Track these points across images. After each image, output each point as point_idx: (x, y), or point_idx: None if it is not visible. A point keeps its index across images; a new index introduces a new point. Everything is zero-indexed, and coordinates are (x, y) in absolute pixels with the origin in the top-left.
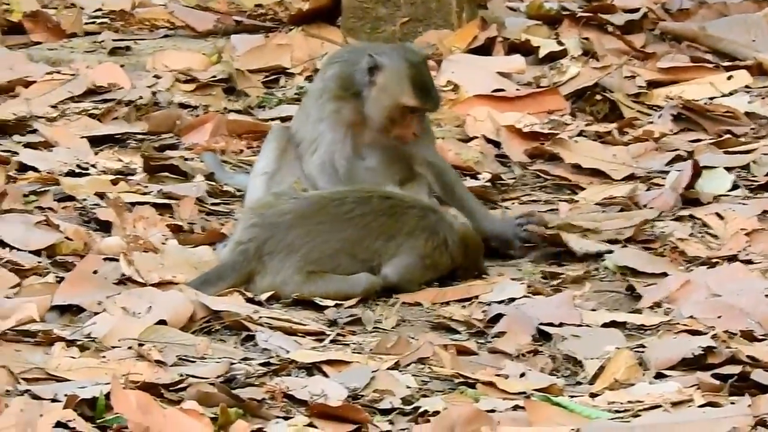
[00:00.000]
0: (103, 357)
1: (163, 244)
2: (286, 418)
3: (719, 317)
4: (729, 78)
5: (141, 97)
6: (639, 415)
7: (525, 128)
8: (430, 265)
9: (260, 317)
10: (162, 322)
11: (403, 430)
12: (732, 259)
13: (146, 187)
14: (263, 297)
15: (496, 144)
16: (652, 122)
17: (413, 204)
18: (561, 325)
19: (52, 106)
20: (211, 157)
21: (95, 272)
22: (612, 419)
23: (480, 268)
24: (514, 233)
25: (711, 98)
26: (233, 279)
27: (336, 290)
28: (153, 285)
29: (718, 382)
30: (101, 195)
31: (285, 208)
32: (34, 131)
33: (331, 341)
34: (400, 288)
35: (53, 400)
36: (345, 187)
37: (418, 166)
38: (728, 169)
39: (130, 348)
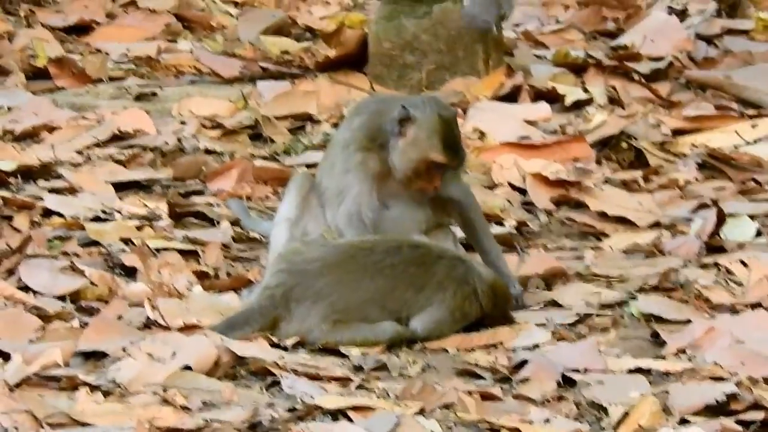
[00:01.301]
0: (128, 402)
1: (189, 290)
2: None
3: (743, 364)
4: (753, 126)
5: (167, 143)
6: None
7: (551, 176)
8: (460, 316)
9: (286, 363)
10: (187, 368)
11: None
12: (756, 306)
13: (171, 233)
14: (289, 343)
15: (522, 191)
16: (677, 170)
17: (442, 254)
18: (586, 371)
19: (78, 152)
20: (237, 204)
21: (120, 318)
22: None
23: (507, 316)
24: (517, 290)
25: (735, 146)
26: (259, 324)
27: (362, 339)
28: (178, 330)
29: (741, 429)
30: (126, 241)
31: (314, 255)
32: (59, 176)
33: (357, 387)
34: (428, 341)
35: None
36: (373, 236)
37: (449, 210)
38: (752, 216)
39: (154, 393)
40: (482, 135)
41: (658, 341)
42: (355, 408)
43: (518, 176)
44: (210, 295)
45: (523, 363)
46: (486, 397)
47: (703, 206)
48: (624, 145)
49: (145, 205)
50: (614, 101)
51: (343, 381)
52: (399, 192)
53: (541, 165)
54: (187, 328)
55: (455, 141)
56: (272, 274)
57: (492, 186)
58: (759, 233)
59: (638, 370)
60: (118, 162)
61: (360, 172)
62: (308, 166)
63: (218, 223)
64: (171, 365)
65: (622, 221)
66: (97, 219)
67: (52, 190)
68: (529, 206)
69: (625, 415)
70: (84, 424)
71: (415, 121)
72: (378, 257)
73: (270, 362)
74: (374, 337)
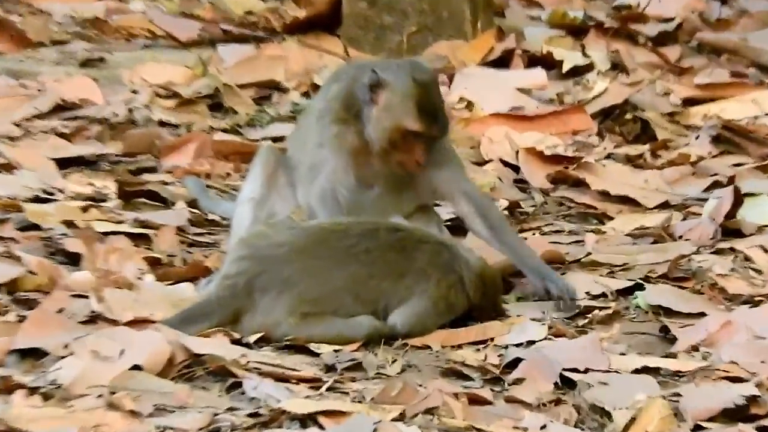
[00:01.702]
0: (70, 406)
1: (139, 279)
2: None
3: (763, 362)
4: None
5: (116, 115)
6: None
7: (546, 150)
8: (444, 308)
9: (248, 362)
10: (137, 367)
11: None
12: None
13: (120, 214)
14: (252, 339)
15: (515, 168)
16: (688, 144)
17: (425, 238)
18: (587, 370)
19: (16, 124)
20: (194, 182)
21: (61, 311)
22: None
23: (498, 308)
24: (561, 288)
25: (754, 117)
26: (218, 317)
27: (335, 335)
28: (126, 324)
29: None
30: (70, 224)
31: (281, 239)
32: None
33: (328, 389)
34: (410, 337)
35: None
36: (348, 219)
37: (449, 199)
38: None
39: (100, 396)
40: (469, 105)
41: (667, 337)
42: (327, 413)
43: (510, 151)
44: (163, 285)
45: (516, 362)
46: (474, 400)
47: (717, 184)
48: (628, 116)
49: (91, 184)
50: (617, 67)
51: (313, 382)
52: (380, 169)
53: (536, 138)
54: (137, 323)
55: (433, 107)
56: (233, 261)
57: (481, 162)
58: None
59: (646, 370)
60: (62, 135)
61: (335, 146)
62: (274, 139)
63: (173, 203)
64: (119, 364)
65: (627, 201)
66: (37, 199)
67: None
68: (522, 185)
69: (632, 420)
70: (21, 431)
71: (387, 86)
72: (352, 241)
73: (230, 361)
74: (348, 333)
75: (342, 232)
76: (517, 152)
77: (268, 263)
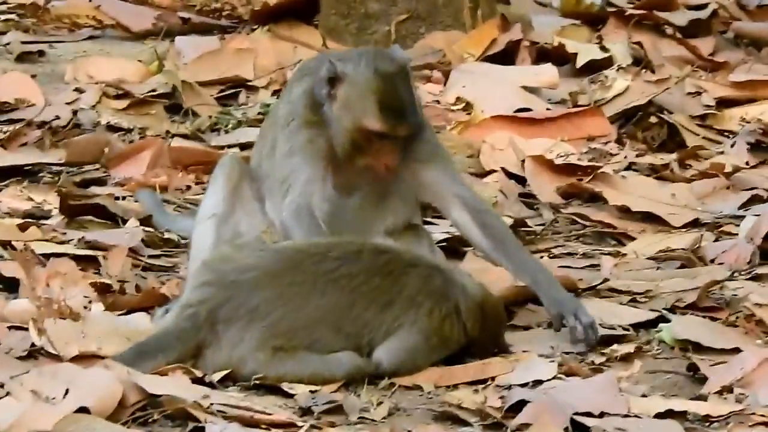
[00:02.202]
0: None
1: (86, 308)
2: None
3: None
4: None
5: (58, 117)
6: None
7: (557, 159)
8: (438, 343)
9: (211, 404)
10: (84, 410)
11: None
12: None
13: (64, 234)
14: (215, 377)
15: (520, 180)
16: (722, 152)
17: (414, 261)
18: (602, 415)
19: None
20: (149, 196)
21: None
22: None
23: (500, 343)
24: (574, 310)
25: None
26: (177, 352)
27: (309, 373)
28: (71, 360)
29: None
30: (5, 244)
31: (248, 263)
32: None
33: None
34: (397, 376)
35: None
36: (327, 239)
37: (440, 203)
38: None
39: None
40: (468, 106)
41: (696, 376)
42: None
43: (515, 160)
44: (114, 315)
45: (520, 404)
46: None
47: (756, 199)
48: (653, 119)
49: (30, 199)
50: (640, 62)
51: (287, 427)
52: (359, 176)
53: (545, 145)
54: (84, 359)
55: (399, 103)
56: (194, 288)
57: (481, 173)
58: None
59: (671, 414)
60: None
61: (308, 154)
62: (242, 146)
63: (124, 221)
64: (63, 407)
65: (651, 219)
66: None
67: None
68: (529, 199)
69: None
70: None
71: (345, 79)
72: (332, 265)
73: (191, 403)
74: (326, 372)
75: (320, 255)
76: (523, 161)
77: (235, 290)
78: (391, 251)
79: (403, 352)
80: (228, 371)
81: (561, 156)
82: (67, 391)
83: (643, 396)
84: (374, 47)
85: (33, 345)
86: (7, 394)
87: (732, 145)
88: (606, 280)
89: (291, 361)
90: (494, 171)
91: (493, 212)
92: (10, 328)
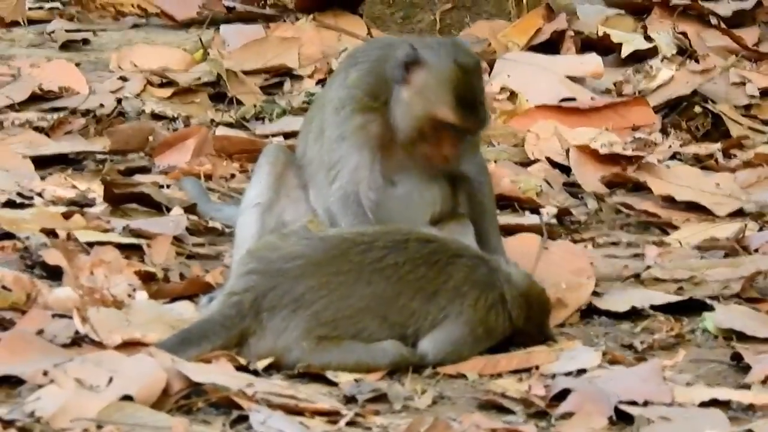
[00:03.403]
0: None
1: (130, 296)
2: None
3: None
4: None
5: (102, 105)
6: None
7: (602, 149)
8: (483, 334)
9: (256, 392)
10: (127, 398)
11: None
12: None
13: (108, 222)
14: (260, 366)
15: (565, 169)
16: (767, 142)
17: (460, 251)
18: (646, 403)
19: None
20: (194, 184)
21: (41, 332)
22: None
23: (546, 331)
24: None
25: None
26: (221, 339)
27: (354, 362)
28: (115, 348)
29: None
30: (49, 232)
31: (294, 251)
32: None
33: (348, 423)
34: (442, 366)
35: None
36: (373, 228)
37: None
38: None
39: (85, 431)
40: (513, 96)
41: (740, 365)
42: None
43: (560, 150)
44: (158, 303)
45: (564, 393)
46: None
47: None
48: (697, 109)
49: (74, 187)
50: (685, 52)
51: (331, 415)
52: (406, 164)
53: (590, 135)
54: (128, 346)
55: (474, 97)
56: (239, 276)
57: (526, 162)
58: None
59: (714, 403)
60: (39, 130)
61: (359, 140)
62: (286, 134)
63: (168, 209)
64: (106, 394)
65: (695, 208)
66: (11, 204)
67: None
68: (573, 189)
69: None
70: None
71: (425, 66)
72: (378, 254)
73: (235, 391)
74: (371, 361)
75: (366, 244)
76: (568, 151)
77: (280, 278)
78: (436, 240)
79: (448, 344)
80: (272, 360)
81: (605, 146)
82: (110, 379)
83: (687, 385)
84: (450, 37)
85: (77, 333)
86: (51, 381)
87: None
88: (649, 267)
89: (335, 349)
90: (539, 160)
91: (488, 197)
92: (53, 316)
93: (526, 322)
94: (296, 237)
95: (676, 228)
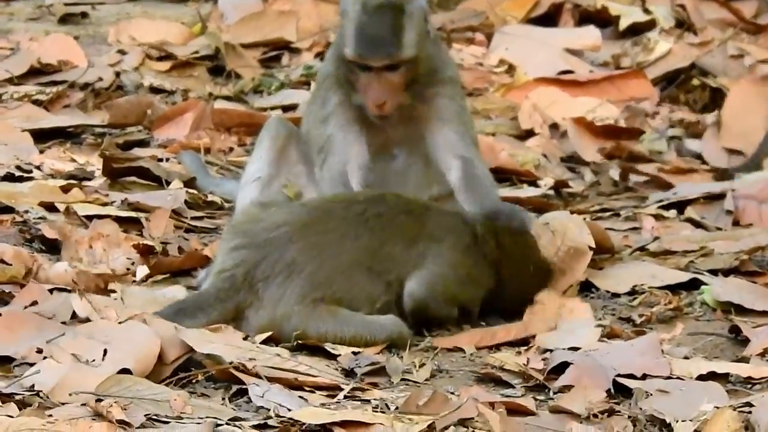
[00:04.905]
0: (50, 416)
1: (128, 270)
2: None
3: None
4: None
5: (101, 79)
6: None
7: (599, 121)
8: (465, 276)
9: (255, 365)
10: (126, 371)
11: None
12: None
13: (107, 195)
14: (258, 339)
15: (562, 140)
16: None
17: (430, 205)
18: (644, 377)
19: None
20: (193, 158)
21: (35, 306)
22: None
23: (542, 265)
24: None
25: None
26: (217, 312)
27: (352, 335)
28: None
29: None
30: (48, 206)
31: (278, 219)
32: None
33: (347, 397)
34: (432, 310)
35: None
36: (349, 191)
37: (443, 165)
38: None
39: (84, 404)
40: (511, 69)
41: (738, 338)
42: (345, 423)
43: (558, 122)
44: (150, 290)
45: (562, 366)
46: (514, 410)
47: None
48: (696, 82)
49: (73, 160)
50: (683, 25)
51: (329, 389)
52: (396, 141)
53: (588, 107)
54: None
55: (373, 31)
56: (227, 253)
57: (523, 135)
58: None
59: (713, 376)
60: (38, 103)
61: (341, 117)
62: (285, 108)
63: (167, 183)
64: (105, 368)
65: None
66: (9, 178)
67: None
68: (571, 161)
69: None
70: None
71: (344, 16)
72: (359, 208)
73: (234, 364)
74: (368, 335)
75: (346, 202)
76: (565, 123)
77: (269, 248)
78: (408, 197)
79: (433, 279)
80: (270, 333)
81: (603, 119)
82: (105, 352)
83: (686, 358)
84: None
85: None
86: (50, 355)
87: None
88: (657, 238)
89: (332, 320)
90: (537, 133)
91: (485, 179)
92: (51, 290)
93: (513, 274)
94: (276, 207)
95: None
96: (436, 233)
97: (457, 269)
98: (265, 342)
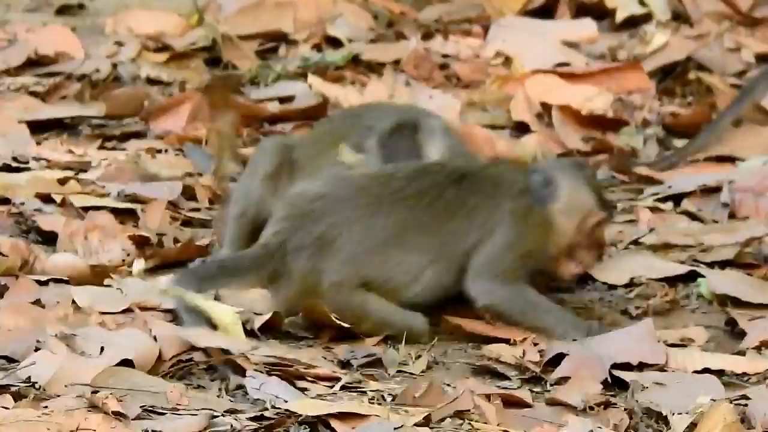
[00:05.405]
0: (45, 408)
1: (124, 261)
2: None
3: None
4: None
5: (98, 70)
6: None
7: (588, 112)
8: (529, 242)
9: (252, 355)
10: (124, 363)
11: None
12: None
13: (103, 187)
14: (257, 324)
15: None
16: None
17: (485, 172)
18: (641, 366)
19: None
20: (195, 150)
21: (36, 299)
22: None
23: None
24: None
25: None
26: (254, 277)
27: (373, 324)
28: (119, 313)
29: None
30: (45, 197)
31: (318, 192)
32: None
33: (343, 388)
34: (499, 301)
35: None
36: (395, 165)
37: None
38: None
39: (80, 396)
40: (508, 61)
41: (735, 331)
42: (341, 415)
43: (555, 114)
44: (145, 282)
45: (558, 358)
46: (510, 402)
47: None
48: (692, 75)
49: (70, 151)
50: (679, 17)
51: (326, 380)
52: None
53: (587, 94)
54: (129, 312)
55: None
56: (271, 223)
57: (520, 126)
58: None
59: (708, 370)
60: (35, 94)
61: None
62: (281, 100)
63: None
64: (102, 360)
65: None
66: (6, 169)
67: None
68: (570, 155)
69: (692, 426)
70: None
71: None
72: (398, 184)
73: (230, 356)
74: (388, 327)
75: (385, 177)
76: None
77: (304, 220)
78: (457, 163)
79: (500, 253)
80: (267, 318)
81: (597, 110)
82: (102, 349)
83: (682, 350)
84: None
85: (73, 302)
86: (37, 350)
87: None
88: (652, 229)
89: (354, 306)
90: (534, 131)
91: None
92: (48, 282)
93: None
94: (324, 178)
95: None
96: (490, 202)
97: (521, 240)
98: (261, 330)
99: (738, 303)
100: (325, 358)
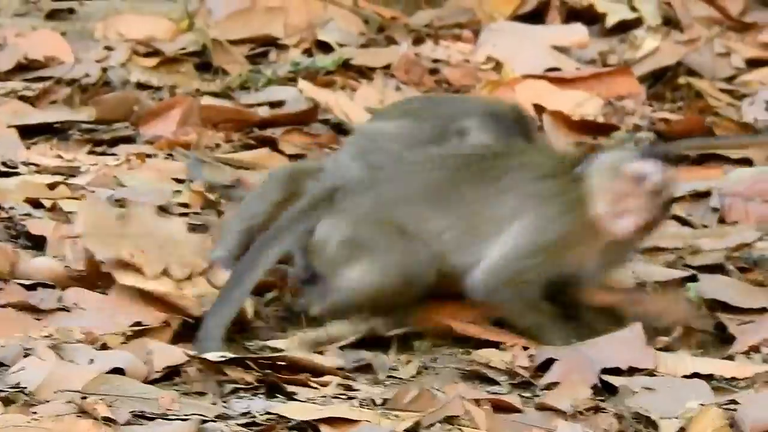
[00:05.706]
0: (34, 413)
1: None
2: None
3: None
4: None
5: (88, 75)
6: None
7: (579, 117)
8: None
9: (244, 359)
10: (117, 371)
11: None
12: None
13: (93, 192)
14: (249, 311)
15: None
16: (743, 113)
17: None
18: (631, 370)
19: None
20: (191, 159)
21: (23, 303)
22: None
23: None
24: None
25: None
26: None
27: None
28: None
29: None
30: (34, 202)
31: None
32: None
33: (333, 393)
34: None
35: None
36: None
37: None
38: None
39: (69, 402)
40: (498, 65)
41: (724, 336)
42: (330, 420)
43: (546, 119)
44: (154, 217)
45: (548, 363)
46: (500, 407)
47: None
48: (682, 80)
49: (60, 156)
50: (670, 22)
51: (316, 385)
52: None
53: (578, 99)
54: (119, 267)
55: None
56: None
57: None
58: None
59: (698, 374)
60: (24, 99)
61: None
62: (271, 105)
63: None
64: (93, 366)
65: None
66: None
67: None
68: None
69: (681, 431)
70: None
71: None
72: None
73: (219, 361)
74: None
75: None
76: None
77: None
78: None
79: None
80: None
81: (586, 115)
82: (91, 360)
83: (671, 355)
84: None
85: (59, 299)
86: (26, 355)
87: (750, 105)
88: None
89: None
90: None
91: None
92: (36, 286)
93: None
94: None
95: None
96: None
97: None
98: (251, 336)
99: (727, 308)
100: (315, 362)
